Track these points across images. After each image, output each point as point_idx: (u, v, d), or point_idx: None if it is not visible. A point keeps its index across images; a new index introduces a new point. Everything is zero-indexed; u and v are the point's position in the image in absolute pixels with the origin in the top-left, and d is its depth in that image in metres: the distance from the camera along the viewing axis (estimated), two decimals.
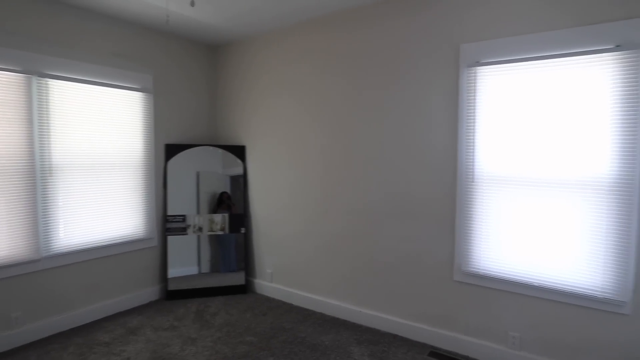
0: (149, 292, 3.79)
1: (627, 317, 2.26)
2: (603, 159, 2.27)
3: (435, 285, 2.93)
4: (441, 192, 2.86)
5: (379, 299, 3.22)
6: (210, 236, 3.93)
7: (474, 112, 2.68)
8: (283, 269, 3.83)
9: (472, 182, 2.70)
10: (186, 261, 3.88)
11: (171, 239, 3.82)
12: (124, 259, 3.58)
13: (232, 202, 4.02)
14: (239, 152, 4.08)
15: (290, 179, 3.72)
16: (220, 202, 3.98)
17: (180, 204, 3.87)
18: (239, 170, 4.07)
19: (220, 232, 3.95)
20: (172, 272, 3.83)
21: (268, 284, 3.94)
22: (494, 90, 2.59)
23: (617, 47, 2.19)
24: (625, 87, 2.19)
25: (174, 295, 3.83)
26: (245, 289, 4.00)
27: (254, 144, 3.99)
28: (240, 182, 4.07)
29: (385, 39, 3.07)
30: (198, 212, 3.91)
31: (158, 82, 3.80)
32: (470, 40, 2.69)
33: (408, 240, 3.04)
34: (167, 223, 3.81)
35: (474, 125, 2.68)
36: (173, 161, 3.88)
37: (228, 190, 4.04)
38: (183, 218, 3.85)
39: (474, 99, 2.67)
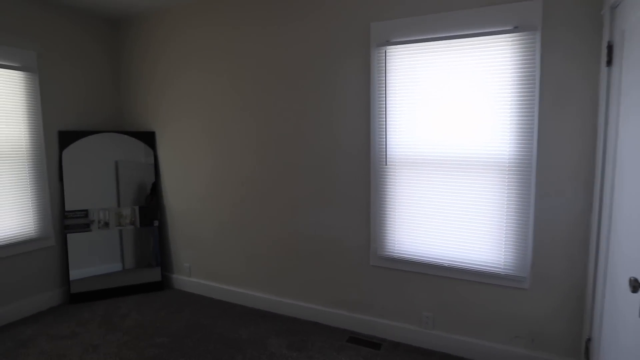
0: (48, 297, 3.39)
1: (527, 292, 2.37)
2: (503, 140, 2.30)
3: (353, 271, 2.89)
4: (357, 177, 2.79)
5: (299, 288, 3.13)
6: (121, 231, 3.59)
7: (385, 94, 2.60)
8: (201, 262, 3.60)
9: (386, 165, 2.66)
10: (93, 260, 3.52)
11: (72, 237, 3.42)
12: (12, 262, 3.14)
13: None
14: (149, 138, 3.72)
15: (207, 168, 3.46)
16: (153, 192, 3.67)
17: (86, 197, 3.47)
18: (151, 159, 3.73)
19: (131, 226, 3.62)
20: (75, 273, 3.45)
21: (186, 279, 3.70)
22: (404, 71, 2.53)
23: (516, 29, 2.20)
24: (523, 68, 2.21)
25: (79, 298, 3.46)
26: (162, 285, 3.73)
27: (164, 130, 3.66)
28: (152, 172, 3.74)
29: (302, 16, 2.88)
30: (119, 205, 3.55)
31: (45, 60, 3.30)
32: (379, 19, 2.59)
33: (327, 227, 2.96)
34: (65, 220, 3.40)
35: (385, 107, 2.61)
36: (70, 150, 3.44)
37: (153, 179, 3.72)
38: (85, 213, 3.46)
39: (385, 80, 2.59)
